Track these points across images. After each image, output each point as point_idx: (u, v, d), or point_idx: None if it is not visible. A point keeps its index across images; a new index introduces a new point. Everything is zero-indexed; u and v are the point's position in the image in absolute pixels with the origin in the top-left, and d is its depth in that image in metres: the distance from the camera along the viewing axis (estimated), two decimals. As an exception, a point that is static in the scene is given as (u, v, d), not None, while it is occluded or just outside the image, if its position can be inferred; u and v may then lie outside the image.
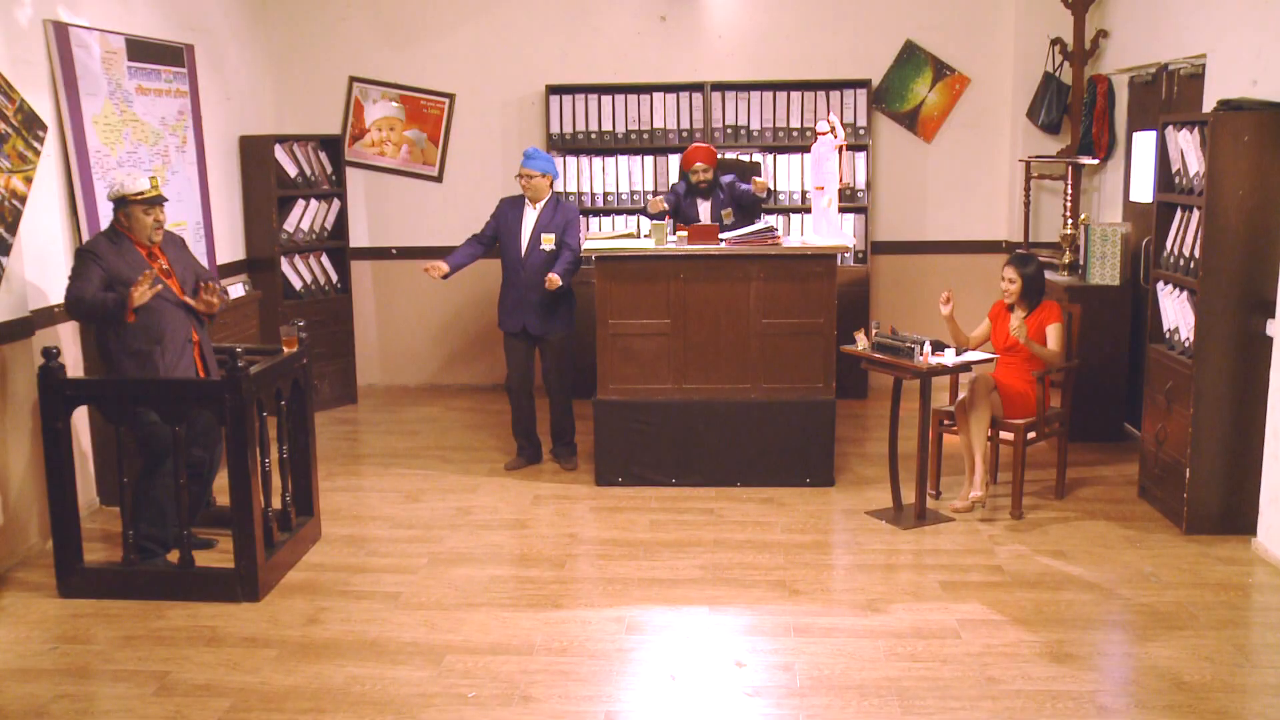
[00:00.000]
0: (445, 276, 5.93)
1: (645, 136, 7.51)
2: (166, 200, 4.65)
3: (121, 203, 4.49)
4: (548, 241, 5.81)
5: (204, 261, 6.41)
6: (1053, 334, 5.34)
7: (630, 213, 7.54)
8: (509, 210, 5.94)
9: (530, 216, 5.86)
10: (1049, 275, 6.36)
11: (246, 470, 4.29)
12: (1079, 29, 6.95)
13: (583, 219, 7.55)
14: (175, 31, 6.32)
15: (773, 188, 7.18)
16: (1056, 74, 7.15)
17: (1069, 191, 6.85)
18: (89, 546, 4.64)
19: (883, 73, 7.54)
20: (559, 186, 7.52)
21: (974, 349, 5.48)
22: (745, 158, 7.34)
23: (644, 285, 5.59)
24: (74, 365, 5.24)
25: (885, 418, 5.72)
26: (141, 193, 4.48)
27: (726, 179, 6.50)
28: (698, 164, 6.34)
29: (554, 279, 5.66)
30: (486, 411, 7.41)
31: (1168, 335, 5.26)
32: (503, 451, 6.42)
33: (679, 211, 6.44)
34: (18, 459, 4.82)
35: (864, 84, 7.43)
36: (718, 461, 5.69)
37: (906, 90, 7.57)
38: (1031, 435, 5.29)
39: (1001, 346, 5.43)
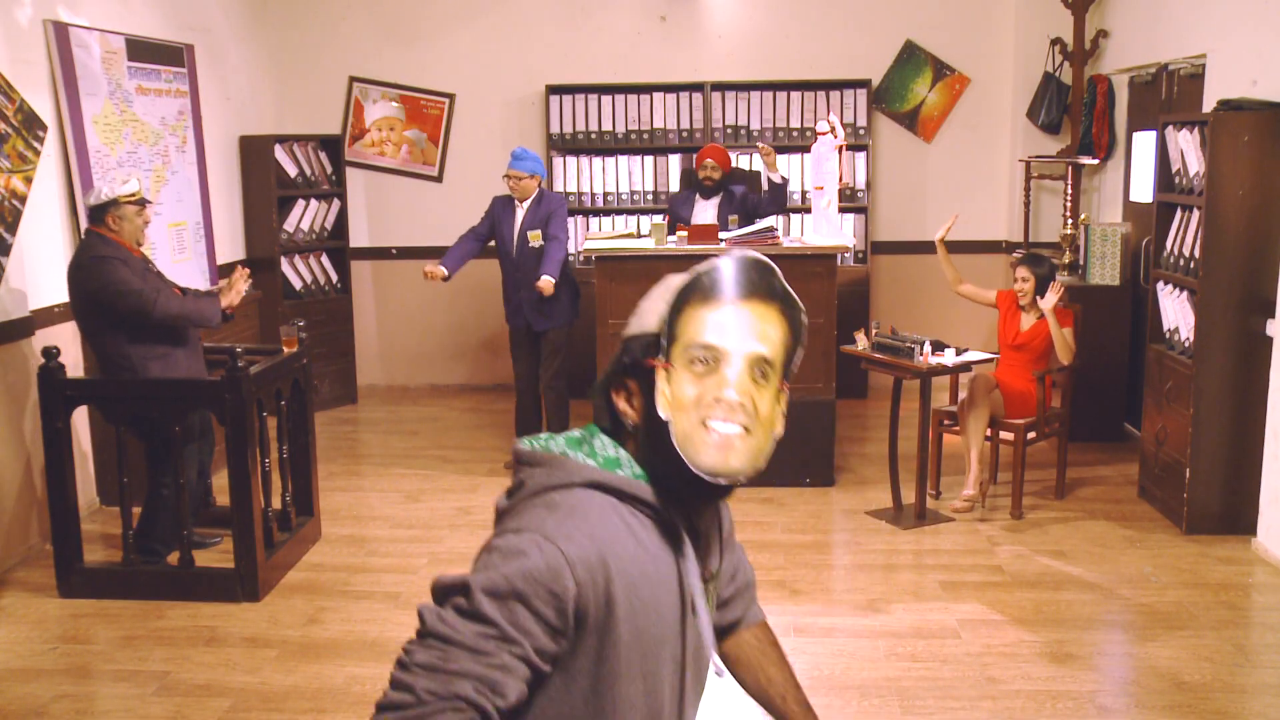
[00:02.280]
0: (445, 279, 5.93)
1: (645, 136, 7.50)
2: (151, 203, 4.67)
3: (111, 205, 4.41)
4: (534, 238, 5.82)
5: (204, 262, 6.43)
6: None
7: (630, 212, 7.54)
8: (501, 209, 5.96)
9: (518, 215, 5.89)
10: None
11: (246, 470, 4.29)
12: (1079, 29, 6.95)
13: (582, 219, 7.57)
14: (175, 31, 6.32)
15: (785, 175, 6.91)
16: (1056, 74, 7.14)
17: (1069, 191, 6.85)
18: (89, 546, 4.64)
19: (883, 73, 7.54)
20: (559, 187, 7.53)
21: (964, 294, 5.60)
22: (750, 156, 7.34)
23: (644, 285, 5.48)
24: (74, 365, 5.24)
25: (885, 418, 5.72)
26: (134, 193, 4.48)
27: (739, 189, 6.49)
28: (708, 160, 6.32)
29: (547, 282, 5.66)
30: (486, 411, 7.41)
31: (1168, 335, 5.26)
32: (503, 451, 6.42)
33: (674, 214, 6.44)
34: (18, 459, 4.82)
35: (864, 84, 7.43)
36: (718, 461, 5.67)
37: (906, 90, 7.57)
38: (1031, 435, 5.28)
39: (1010, 343, 5.43)
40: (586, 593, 1.35)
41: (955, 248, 7.69)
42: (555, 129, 7.50)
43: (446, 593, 1.38)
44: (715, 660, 1.50)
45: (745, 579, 1.81)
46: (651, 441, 1.44)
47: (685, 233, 5.69)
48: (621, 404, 1.49)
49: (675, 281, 1.47)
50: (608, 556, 1.37)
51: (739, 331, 1.42)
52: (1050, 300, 5.17)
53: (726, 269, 1.44)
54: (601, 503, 1.41)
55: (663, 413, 1.41)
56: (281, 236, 7.15)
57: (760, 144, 6.20)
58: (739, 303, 1.43)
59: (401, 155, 7.83)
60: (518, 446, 1.51)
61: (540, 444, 1.50)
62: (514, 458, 1.51)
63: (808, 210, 6.90)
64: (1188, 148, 5.04)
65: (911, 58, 7.53)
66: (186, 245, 6.28)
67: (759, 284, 1.45)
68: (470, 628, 1.33)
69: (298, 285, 7.31)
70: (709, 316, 1.42)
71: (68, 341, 5.21)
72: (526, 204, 5.88)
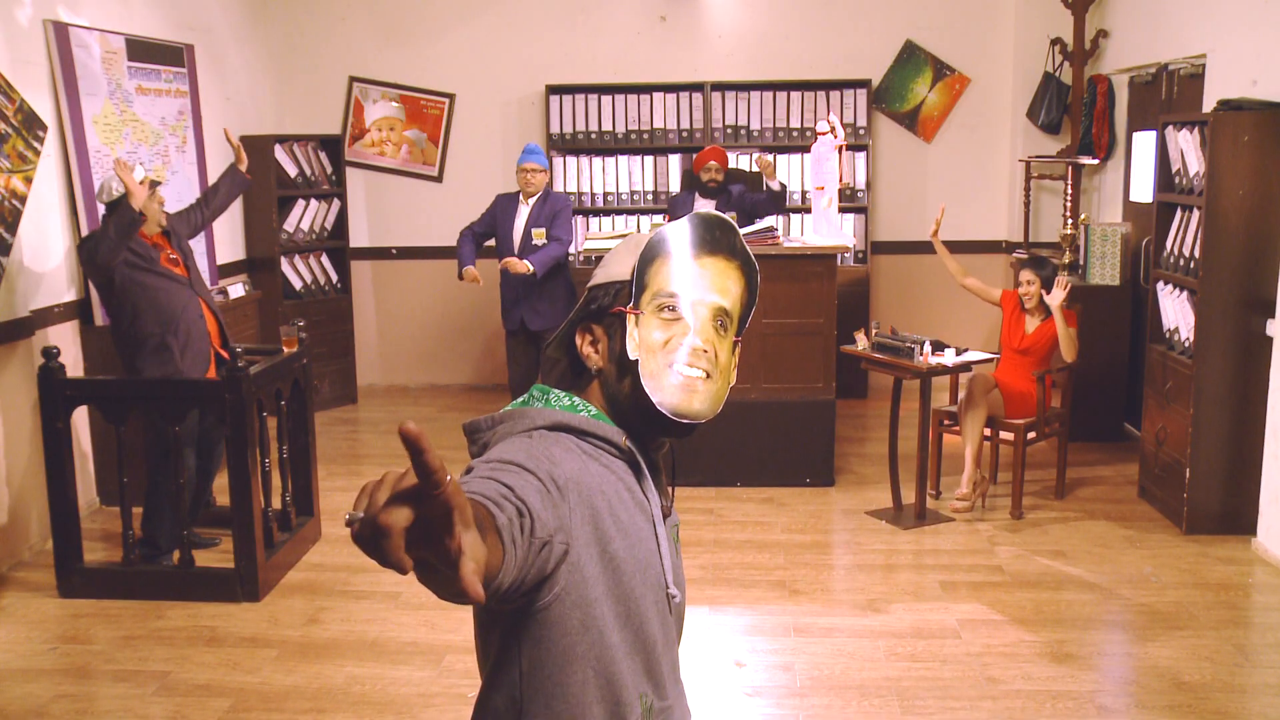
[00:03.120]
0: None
1: (645, 136, 7.50)
2: (161, 184, 4.71)
3: (124, 198, 4.47)
4: (539, 236, 5.81)
5: (204, 262, 6.42)
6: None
7: (630, 213, 7.54)
8: (504, 207, 5.94)
9: (523, 213, 5.87)
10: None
11: (246, 470, 4.29)
12: (1079, 29, 6.95)
13: (582, 219, 7.57)
14: (175, 31, 6.32)
15: (784, 182, 7.01)
16: (1056, 74, 7.14)
17: (1069, 191, 6.85)
18: (89, 546, 4.65)
19: (883, 73, 7.54)
20: (559, 187, 7.53)
21: (969, 288, 5.59)
22: (750, 156, 7.34)
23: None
24: (74, 365, 5.24)
25: (885, 418, 5.72)
26: (141, 182, 4.49)
27: (736, 188, 6.52)
28: (711, 162, 6.36)
29: (523, 263, 5.67)
30: (487, 412, 7.39)
31: (1168, 335, 5.26)
32: (503, 451, 6.41)
33: (675, 214, 6.46)
34: (18, 459, 4.82)
35: (864, 84, 7.43)
36: (718, 461, 5.69)
37: (906, 90, 7.57)
38: (1031, 435, 5.28)
39: (1015, 348, 5.42)
40: (571, 496, 1.39)
41: (955, 248, 7.70)
42: (555, 129, 7.50)
43: None
44: (671, 588, 1.55)
45: None
46: (618, 381, 1.54)
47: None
48: (586, 348, 1.57)
49: (642, 236, 1.57)
50: (584, 479, 1.43)
51: (704, 284, 1.53)
52: (1058, 296, 5.18)
53: (694, 226, 1.55)
54: (567, 440, 1.48)
55: (632, 354, 1.51)
56: (281, 236, 7.15)
57: (758, 156, 6.21)
58: (704, 257, 1.54)
59: (401, 155, 7.83)
60: (469, 422, 1.57)
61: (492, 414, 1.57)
62: (466, 432, 1.56)
63: (808, 210, 6.91)
64: (1188, 148, 5.04)
65: (911, 58, 7.53)
66: (186, 245, 6.28)
67: (722, 241, 1.56)
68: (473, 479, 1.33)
69: (298, 285, 7.31)
70: (676, 268, 1.53)
71: (68, 341, 5.21)
72: (533, 201, 5.86)
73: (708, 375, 1.51)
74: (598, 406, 1.56)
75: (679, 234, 1.54)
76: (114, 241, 4.40)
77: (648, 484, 1.54)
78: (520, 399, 1.58)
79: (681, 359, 1.50)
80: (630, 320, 1.52)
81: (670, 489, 1.63)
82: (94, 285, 4.72)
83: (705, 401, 1.51)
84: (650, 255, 1.53)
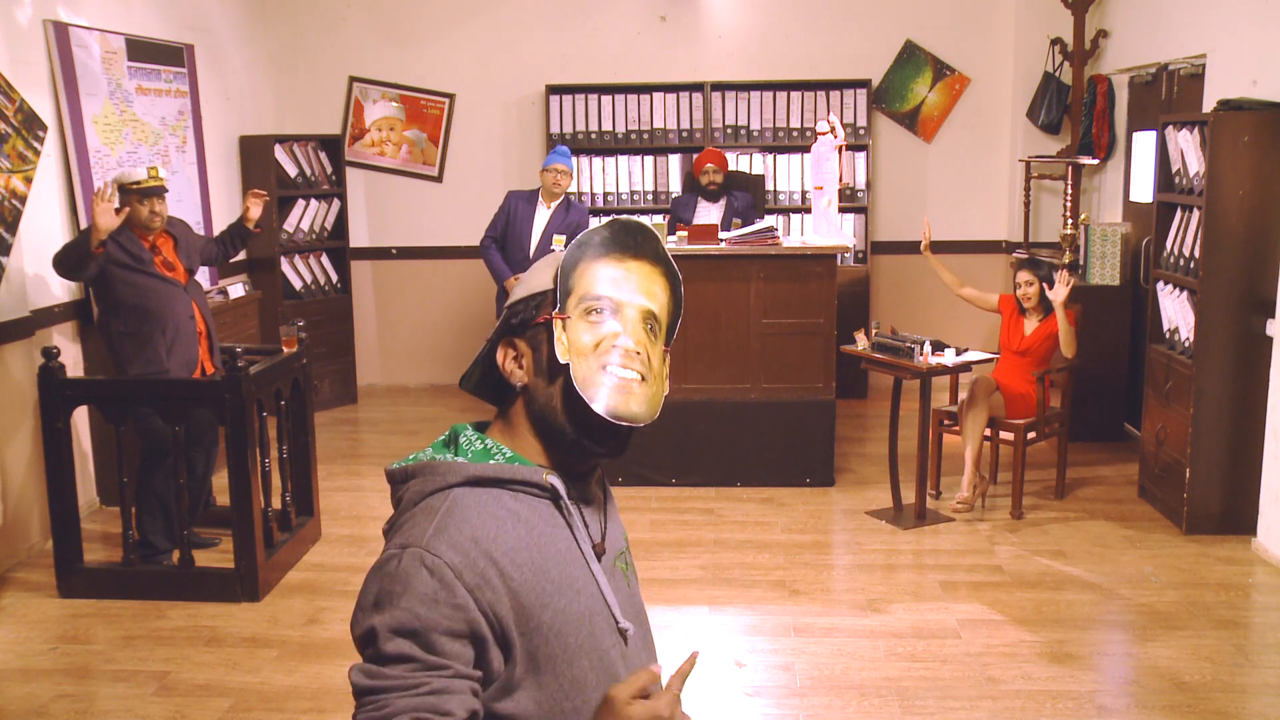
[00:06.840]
0: None
1: (645, 136, 7.50)
2: (165, 190, 4.63)
3: (122, 191, 4.49)
4: (559, 243, 5.81)
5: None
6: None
7: (631, 213, 7.53)
8: (520, 205, 5.88)
9: (543, 216, 5.83)
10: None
11: (246, 470, 4.29)
12: (1079, 29, 6.95)
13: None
14: (175, 31, 6.32)
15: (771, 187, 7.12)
16: (1056, 74, 7.14)
17: (1069, 191, 6.85)
18: (89, 546, 4.64)
19: (883, 73, 7.54)
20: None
21: (966, 298, 5.60)
22: (749, 156, 7.34)
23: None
24: (74, 365, 5.24)
25: (885, 418, 5.72)
26: (138, 182, 4.49)
27: (741, 195, 6.54)
28: (709, 165, 6.38)
29: None
30: (486, 411, 7.34)
31: (1168, 335, 5.26)
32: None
33: (676, 215, 6.48)
34: (18, 459, 4.82)
35: (864, 84, 7.43)
36: (718, 461, 5.69)
37: (906, 90, 7.56)
38: (1032, 435, 5.28)
39: (1014, 349, 5.42)
40: (484, 595, 1.37)
41: (955, 248, 7.73)
42: (555, 129, 7.50)
43: (361, 645, 1.39)
44: (622, 622, 1.52)
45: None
46: (547, 391, 1.48)
47: (685, 233, 5.69)
48: (509, 364, 1.52)
49: (560, 253, 1.53)
50: (494, 553, 1.39)
51: (630, 286, 1.50)
52: (1061, 292, 5.18)
53: (615, 231, 1.51)
54: (481, 498, 1.43)
55: (562, 358, 1.45)
56: (281, 236, 7.15)
57: None
58: (628, 261, 1.51)
59: (401, 155, 7.83)
60: (388, 469, 1.53)
61: (409, 459, 1.53)
62: (388, 480, 1.52)
63: (808, 210, 6.91)
64: (1188, 148, 5.04)
65: (911, 58, 7.53)
66: (186, 245, 6.27)
67: (644, 246, 1.52)
68: (393, 670, 1.34)
69: (298, 285, 7.30)
70: (601, 271, 1.49)
71: (68, 341, 5.21)
72: (554, 206, 5.83)
73: (642, 378, 1.47)
74: (523, 430, 1.51)
75: (602, 237, 1.50)
76: (62, 267, 4.46)
77: (575, 523, 1.49)
78: (438, 441, 1.55)
79: (615, 360, 1.45)
80: (557, 326, 1.46)
81: (604, 522, 1.57)
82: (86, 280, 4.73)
83: (643, 404, 1.47)
84: (573, 260, 1.48)
